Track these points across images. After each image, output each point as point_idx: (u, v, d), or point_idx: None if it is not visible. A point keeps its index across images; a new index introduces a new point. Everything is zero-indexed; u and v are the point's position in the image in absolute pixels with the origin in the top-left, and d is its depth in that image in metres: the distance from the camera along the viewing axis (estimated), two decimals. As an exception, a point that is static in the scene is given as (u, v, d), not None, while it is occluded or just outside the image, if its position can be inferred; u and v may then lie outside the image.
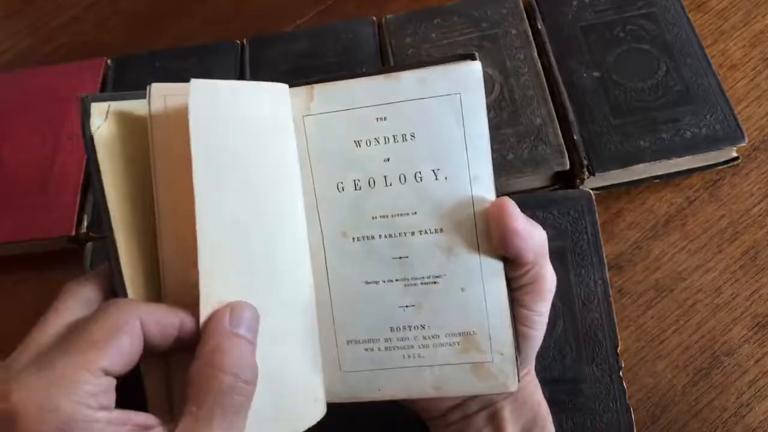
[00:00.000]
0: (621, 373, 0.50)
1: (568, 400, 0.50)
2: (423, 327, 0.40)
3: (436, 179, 0.39)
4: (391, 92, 0.39)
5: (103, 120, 0.36)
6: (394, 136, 0.39)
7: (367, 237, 0.40)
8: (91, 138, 0.36)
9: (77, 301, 0.34)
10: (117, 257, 0.35)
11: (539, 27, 0.65)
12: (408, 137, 0.39)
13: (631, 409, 0.49)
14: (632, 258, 0.57)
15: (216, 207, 0.35)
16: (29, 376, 0.29)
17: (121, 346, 0.31)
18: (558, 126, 0.59)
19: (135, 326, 0.31)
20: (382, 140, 0.40)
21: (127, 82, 0.69)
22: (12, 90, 0.70)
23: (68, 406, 0.28)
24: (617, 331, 0.51)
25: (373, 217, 0.40)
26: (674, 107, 0.59)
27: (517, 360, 0.39)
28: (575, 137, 0.59)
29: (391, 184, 0.40)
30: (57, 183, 0.63)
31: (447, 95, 0.39)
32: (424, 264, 0.40)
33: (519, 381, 0.40)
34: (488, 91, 0.62)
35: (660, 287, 0.55)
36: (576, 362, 0.51)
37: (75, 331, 0.31)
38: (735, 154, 0.59)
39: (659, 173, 0.59)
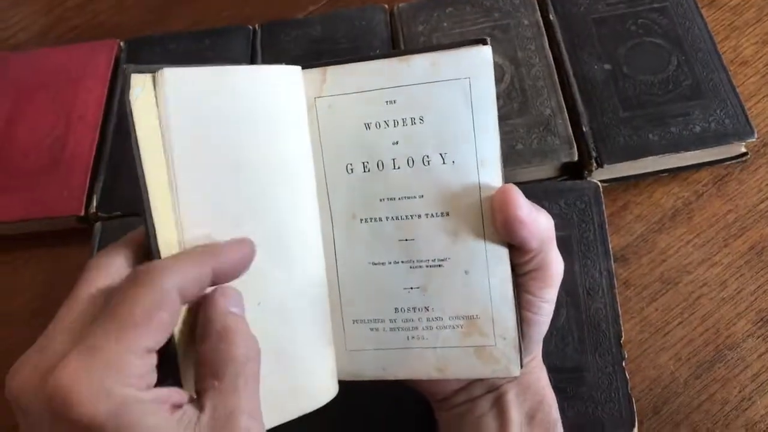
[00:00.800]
0: (624, 364, 0.50)
1: (570, 388, 0.50)
2: (427, 309, 0.40)
3: (444, 163, 0.39)
4: (402, 75, 0.39)
5: (141, 90, 0.35)
6: (403, 119, 0.40)
7: (375, 219, 0.40)
8: (131, 108, 0.35)
9: (107, 272, 0.34)
10: (153, 224, 0.34)
11: (551, 18, 0.65)
12: (417, 120, 0.39)
13: (633, 400, 0.49)
14: (638, 250, 0.57)
15: (204, 197, 0.36)
16: (77, 360, 0.28)
17: (162, 322, 0.30)
18: (567, 117, 0.60)
19: (174, 299, 0.31)
20: (391, 123, 0.40)
21: (139, 63, 0.69)
22: (26, 70, 0.70)
23: (120, 390, 0.28)
24: (621, 322, 0.51)
25: (380, 200, 0.40)
26: (684, 101, 0.59)
27: (520, 345, 0.40)
28: (584, 129, 0.59)
29: (399, 167, 0.40)
30: (68, 163, 0.64)
31: (457, 79, 0.39)
32: (429, 247, 0.40)
33: (523, 366, 0.40)
34: (498, 80, 0.62)
35: (665, 280, 0.55)
36: (579, 351, 0.51)
37: (114, 307, 0.30)
38: (744, 150, 0.59)
39: (667, 167, 0.59)
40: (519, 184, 0.55)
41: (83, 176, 0.63)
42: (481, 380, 0.43)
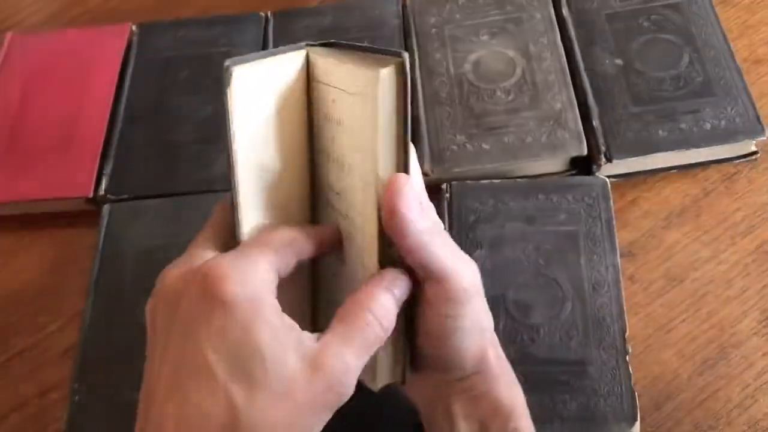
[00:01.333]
0: (628, 359, 0.50)
1: (573, 381, 0.50)
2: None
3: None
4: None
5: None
6: (334, 118, 0.39)
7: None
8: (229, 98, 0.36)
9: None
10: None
11: (564, 13, 0.65)
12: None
13: (636, 394, 0.49)
14: (645, 246, 0.57)
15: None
16: (229, 256, 0.35)
17: (288, 253, 0.37)
18: (578, 112, 0.59)
19: (303, 243, 0.38)
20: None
21: (150, 48, 0.70)
22: (38, 51, 0.71)
23: (255, 281, 0.34)
24: (626, 317, 0.51)
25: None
26: (695, 98, 0.59)
27: (399, 358, 0.40)
28: (594, 124, 0.59)
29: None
30: (78, 145, 0.64)
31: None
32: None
33: (403, 380, 0.41)
34: (509, 73, 0.62)
35: (671, 276, 0.55)
36: (583, 345, 0.51)
37: (258, 236, 0.38)
38: (754, 148, 0.59)
39: (677, 164, 0.59)
40: (528, 177, 0.55)
41: (93, 158, 0.63)
42: (434, 390, 0.43)
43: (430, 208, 0.39)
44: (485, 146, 0.59)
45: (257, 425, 0.32)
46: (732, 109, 0.58)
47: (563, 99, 0.60)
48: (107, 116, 0.65)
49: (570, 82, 0.61)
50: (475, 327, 0.40)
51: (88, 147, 0.64)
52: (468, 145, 0.59)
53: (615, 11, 0.64)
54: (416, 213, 0.36)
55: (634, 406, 0.49)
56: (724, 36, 0.62)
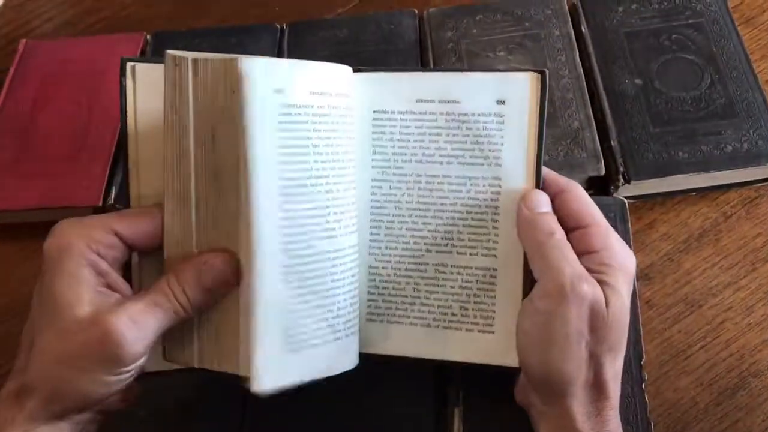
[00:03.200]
0: (644, 386, 0.49)
1: (587, 408, 0.48)
2: None
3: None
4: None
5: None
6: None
7: None
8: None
9: None
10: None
11: (583, 30, 0.64)
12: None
13: (652, 424, 0.48)
14: (663, 270, 0.56)
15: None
16: (70, 220, 0.40)
17: (137, 221, 0.41)
18: (596, 131, 0.58)
19: (156, 215, 0.41)
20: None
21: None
22: (52, 59, 0.70)
23: (73, 239, 0.39)
24: (642, 342, 0.50)
25: None
26: (716, 120, 0.58)
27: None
28: (612, 143, 0.58)
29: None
30: (89, 153, 0.63)
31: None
32: None
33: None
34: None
35: (689, 301, 0.54)
36: (598, 371, 0.49)
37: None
38: (776, 172, 0.57)
39: (696, 186, 0.58)
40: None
41: (103, 168, 0.62)
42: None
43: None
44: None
45: (44, 352, 0.38)
46: (754, 132, 0.57)
47: (581, 117, 0.59)
48: (118, 126, 0.65)
49: (588, 100, 0.60)
50: (562, 336, 0.39)
51: (98, 156, 0.63)
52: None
53: (635, 30, 0.63)
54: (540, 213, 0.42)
55: (649, 436, 0.47)
56: (747, 57, 0.60)
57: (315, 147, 0.40)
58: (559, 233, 0.42)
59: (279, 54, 0.68)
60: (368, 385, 0.49)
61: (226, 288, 0.40)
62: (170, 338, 0.42)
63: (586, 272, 0.40)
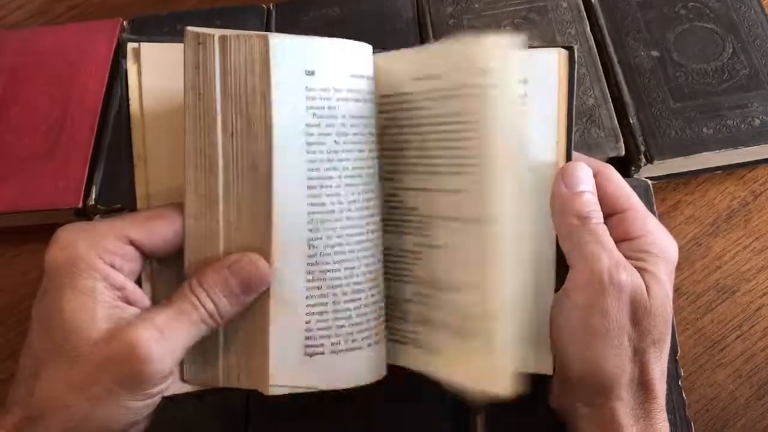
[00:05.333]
0: (680, 382, 0.45)
1: (621, 409, 0.45)
2: None
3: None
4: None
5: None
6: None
7: None
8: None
9: None
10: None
11: (592, 0, 0.60)
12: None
13: (692, 423, 0.44)
14: (690, 255, 0.52)
15: None
16: (75, 227, 0.35)
17: (154, 226, 0.36)
18: (612, 108, 0.54)
19: (174, 217, 0.36)
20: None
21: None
22: (21, 50, 0.65)
23: (82, 250, 0.33)
24: (676, 335, 0.46)
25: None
26: (741, 92, 0.54)
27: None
28: (631, 121, 0.54)
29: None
30: (65, 151, 0.59)
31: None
32: None
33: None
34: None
35: (721, 288, 0.50)
36: (629, 367, 0.46)
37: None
38: (807, 146, 0.54)
39: (722, 164, 0.54)
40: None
41: (81, 166, 0.57)
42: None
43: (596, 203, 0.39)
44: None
45: (53, 380, 0.32)
46: (783, 104, 0.53)
47: (596, 94, 0.55)
48: (97, 120, 0.60)
49: (602, 75, 0.56)
50: (602, 331, 0.36)
51: (76, 153, 0.58)
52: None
53: (648, -1, 0.59)
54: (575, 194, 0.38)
55: (690, 436, 0.44)
56: (770, 24, 0.57)
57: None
58: (598, 217, 0.38)
59: (267, 37, 0.63)
60: (380, 391, 0.46)
61: (256, 292, 0.36)
62: (189, 355, 0.37)
63: (624, 260, 0.36)
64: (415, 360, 0.40)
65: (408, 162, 0.40)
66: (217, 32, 0.35)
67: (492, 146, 0.36)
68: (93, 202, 0.56)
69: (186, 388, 0.38)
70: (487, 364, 0.36)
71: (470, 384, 0.36)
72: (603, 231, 0.37)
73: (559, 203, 0.38)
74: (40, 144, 0.59)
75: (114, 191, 0.56)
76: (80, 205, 0.56)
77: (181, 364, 0.38)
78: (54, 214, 0.57)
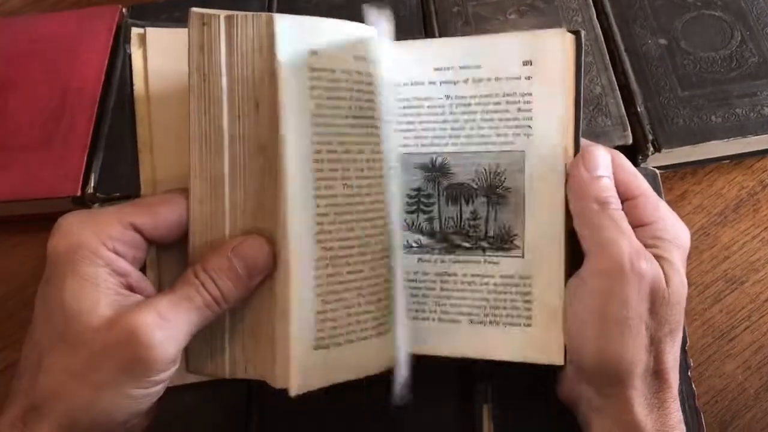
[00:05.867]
0: (689, 373, 0.44)
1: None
2: None
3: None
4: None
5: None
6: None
7: None
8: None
9: None
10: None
11: (599, -12, 0.59)
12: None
13: (701, 413, 0.43)
14: (698, 245, 0.51)
15: None
16: (77, 214, 0.35)
17: (158, 212, 0.35)
18: (619, 96, 0.54)
19: (179, 202, 0.36)
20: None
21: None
22: (19, 37, 0.64)
23: (85, 237, 0.33)
24: (685, 326, 0.46)
25: None
26: (750, 80, 0.53)
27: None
28: (639, 109, 0.53)
29: None
30: (64, 139, 0.58)
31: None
32: None
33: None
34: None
35: (730, 278, 0.50)
36: (638, 358, 0.45)
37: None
38: (817, 135, 0.53)
39: (730, 153, 0.53)
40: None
41: (80, 154, 0.56)
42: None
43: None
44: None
45: (55, 368, 0.32)
46: (792, 92, 0.52)
47: (603, 82, 0.54)
48: (95, 107, 0.59)
49: (609, 63, 0.55)
50: (620, 319, 0.35)
51: (75, 141, 0.57)
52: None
53: (655, -15, 0.59)
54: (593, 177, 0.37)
55: (700, 427, 0.43)
56: (779, 11, 0.56)
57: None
58: (616, 202, 0.37)
59: (268, 24, 0.62)
60: (385, 383, 0.45)
61: (261, 276, 0.35)
62: (193, 345, 0.36)
63: (644, 248, 0.36)
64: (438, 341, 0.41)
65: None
66: (222, 13, 0.34)
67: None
68: (92, 191, 0.55)
69: (190, 378, 0.37)
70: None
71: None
72: (621, 217, 0.37)
73: (578, 187, 0.37)
74: (39, 132, 0.58)
75: (113, 180, 0.55)
76: (79, 193, 0.55)
77: (186, 354, 0.37)
78: (52, 202, 0.56)
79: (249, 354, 0.36)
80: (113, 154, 0.56)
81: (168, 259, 0.38)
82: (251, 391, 0.45)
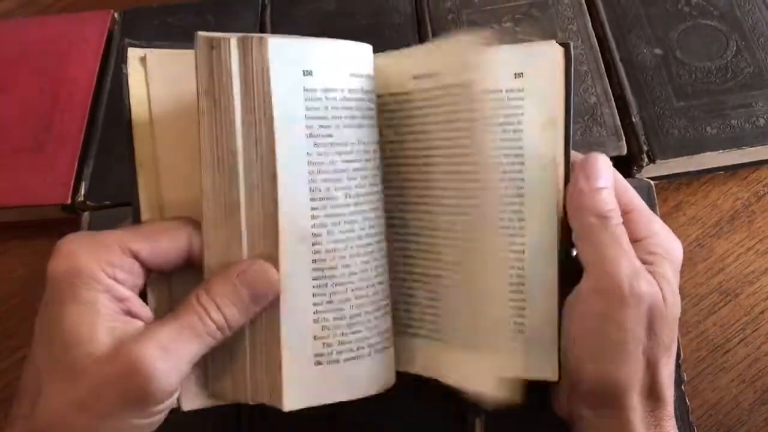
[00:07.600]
0: (683, 387, 0.44)
1: (623, 414, 0.44)
2: None
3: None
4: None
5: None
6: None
7: None
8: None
9: None
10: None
11: (594, -4, 0.59)
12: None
13: (695, 428, 0.43)
14: (693, 257, 0.51)
15: None
16: (78, 237, 0.34)
17: (159, 242, 0.34)
18: (614, 106, 0.53)
19: (181, 233, 0.35)
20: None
21: (134, 37, 0.62)
22: (8, 41, 0.63)
23: (84, 261, 0.32)
24: (679, 339, 0.45)
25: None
26: (745, 91, 0.53)
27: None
28: (634, 120, 0.53)
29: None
30: (54, 146, 0.57)
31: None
32: None
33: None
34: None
35: (724, 291, 0.49)
36: (631, 372, 0.45)
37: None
38: (812, 146, 0.53)
39: (725, 164, 0.53)
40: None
41: (70, 161, 0.56)
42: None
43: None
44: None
45: (55, 398, 0.31)
46: (787, 103, 0.52)
47: (598, 92, 0.54)
48: (86, 114, 0.58)
49: (604, 73, 0.55)
50: (617, 342, 0.34)
51: (65, 148, 0.57)
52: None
53: (651, -5, 0.58)
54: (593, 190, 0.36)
55: (693, 442, 0.43)
56: (775, 22, 0.56)
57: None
58: (617, 217, 0.36)
59: (261, 31, 0.62)
60: (379, 396, 0.44)
61: (266, 302, 0.34)
62: (195, 370, 0.36)
63: (643, 267, 0.35)
64: (425, 361, 0.40)
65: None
66: (232, 36, 0.34)
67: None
68: (82, 198, 0.55)
69: (210, 402, 0.37)
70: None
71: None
72: (622, 233, 0.36)
73: (578, 199, 0.36)
74: (29, 137, 0.58)
75: (103, 187, 0.55)
76: (69, 201, 0.54)
77: (209, 376, 0.37)
78: (42, 210, 0.55)
79: (257, 379, 0.36)
80: (104, 162, 0.56)
81: (169, 284, 0.37)
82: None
